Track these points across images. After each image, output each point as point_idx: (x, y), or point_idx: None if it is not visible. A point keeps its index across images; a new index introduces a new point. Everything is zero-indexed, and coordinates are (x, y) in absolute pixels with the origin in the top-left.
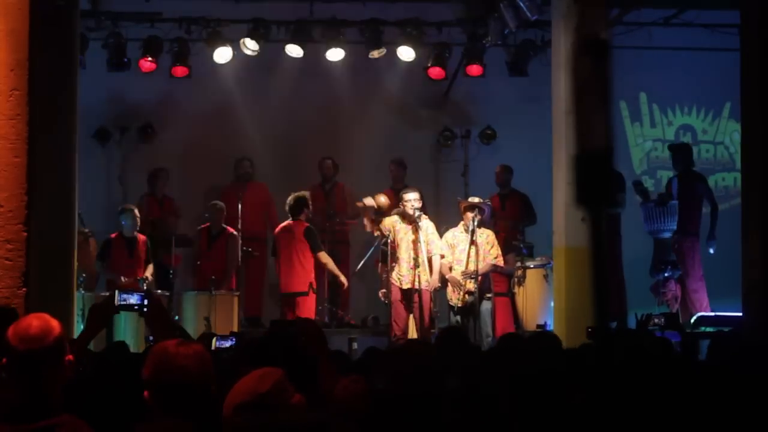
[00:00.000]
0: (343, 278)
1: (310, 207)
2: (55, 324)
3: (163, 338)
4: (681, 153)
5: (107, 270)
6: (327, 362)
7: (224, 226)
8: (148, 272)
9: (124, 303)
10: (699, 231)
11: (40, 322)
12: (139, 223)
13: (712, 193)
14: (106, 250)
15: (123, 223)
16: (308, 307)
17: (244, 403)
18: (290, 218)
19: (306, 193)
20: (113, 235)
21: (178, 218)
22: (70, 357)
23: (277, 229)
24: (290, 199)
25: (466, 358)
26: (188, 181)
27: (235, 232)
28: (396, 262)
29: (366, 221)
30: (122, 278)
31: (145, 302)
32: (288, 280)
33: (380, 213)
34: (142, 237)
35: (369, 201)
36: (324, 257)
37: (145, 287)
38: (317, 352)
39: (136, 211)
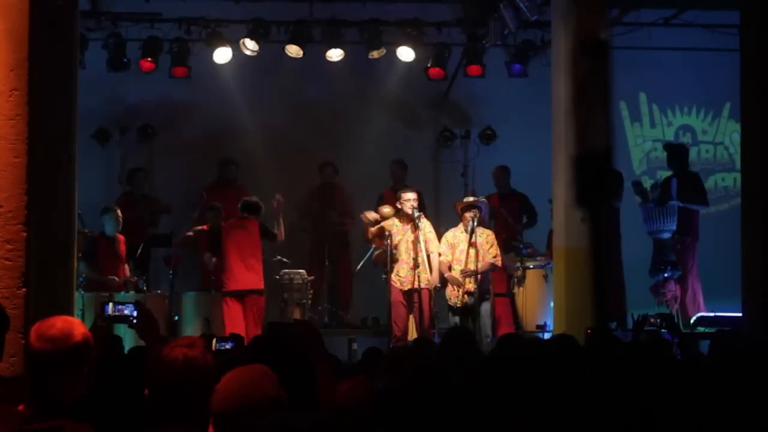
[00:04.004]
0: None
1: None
2: (79, 331)
3: (154, 349)
4: (677, 153)
5: (93, 270)
6: (325, 364)
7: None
8: (128, 272)
9: (118, 314)
10: (697, 232)
11: (63, 325)
12: (121, 223)
13: (705, 195)
14: (91, 250)
15: (106, 222)
16: (263, 306)
17: (229, 410)
18: (242, 216)
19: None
20: (97, 235)
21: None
22: (85, 369)
23: (225, 224)
24: (248, 202)
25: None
26: (187, 181)
27: None
28: (396, 263)
29: (368, 232)
30: (114, 278)
31: (134, 313)
32: (246, 276)
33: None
34: (121, 237)
35: (372, 215)
36: (281, 235)
37: (133, 292)
38: (315, 354)
39: (119, 211)
